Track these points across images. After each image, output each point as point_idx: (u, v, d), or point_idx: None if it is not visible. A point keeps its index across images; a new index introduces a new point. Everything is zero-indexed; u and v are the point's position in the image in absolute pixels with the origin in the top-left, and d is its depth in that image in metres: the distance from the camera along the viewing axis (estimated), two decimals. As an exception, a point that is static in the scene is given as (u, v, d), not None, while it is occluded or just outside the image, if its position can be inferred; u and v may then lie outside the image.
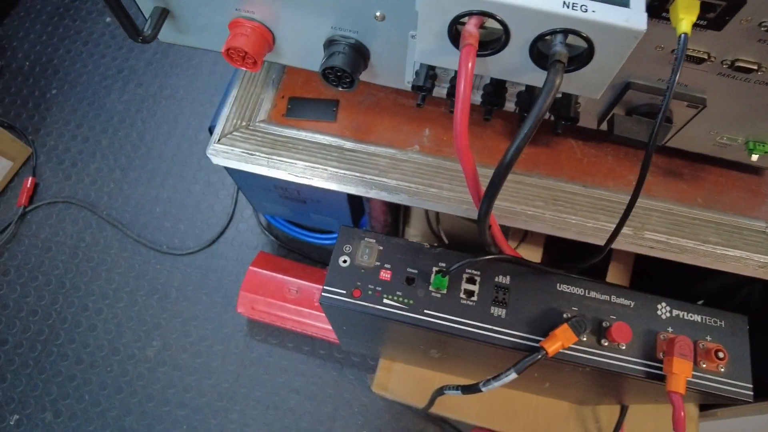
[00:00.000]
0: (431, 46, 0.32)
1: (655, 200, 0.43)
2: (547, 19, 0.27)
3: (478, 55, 0.30)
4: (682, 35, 0.28)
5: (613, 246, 0.43)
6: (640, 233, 0.42)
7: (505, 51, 0.31)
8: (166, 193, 1.16)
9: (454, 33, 0.30)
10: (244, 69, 0.42)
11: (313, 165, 0.44)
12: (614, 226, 0.35)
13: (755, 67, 0.32)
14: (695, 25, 0.30)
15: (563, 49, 0.28)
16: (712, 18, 0.30)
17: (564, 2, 0.27)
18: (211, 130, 0.82)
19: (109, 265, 1.10)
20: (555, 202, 0.43)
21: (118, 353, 1.03)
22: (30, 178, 1.17)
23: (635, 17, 0.27)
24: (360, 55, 0.40)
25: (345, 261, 0.46)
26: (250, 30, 0.40)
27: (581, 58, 0.29)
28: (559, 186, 0.43)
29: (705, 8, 0.29)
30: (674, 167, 0.45)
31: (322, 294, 0.46)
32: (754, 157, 0.39)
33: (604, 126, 0.41)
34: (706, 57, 0.33)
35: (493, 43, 0.31)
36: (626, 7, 0.27)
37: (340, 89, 0.40)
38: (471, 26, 0.29)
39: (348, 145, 0.45)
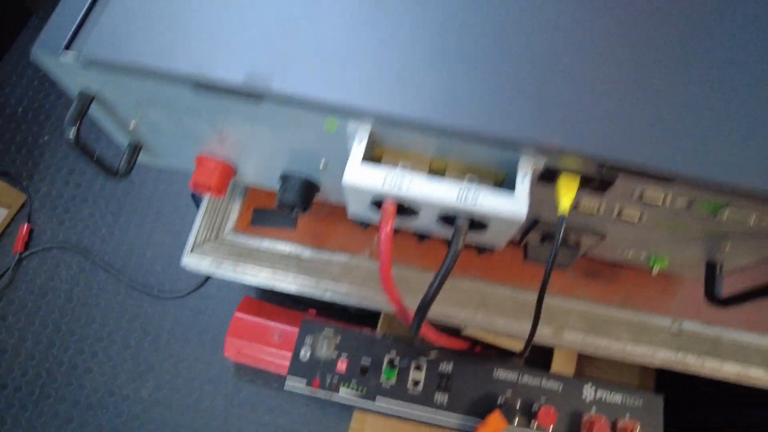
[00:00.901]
0: (358, 211, 0.37)
1: (575, 301, 0.49)
2: (445, 208, 0.33)
3: (398, 216, 0.36)
4: (561, 217, 0.34)
5: (537, 343, 0.49)
6: (559, 333, 0.48)
7: (419, 217, 0.36)
8: (156, 236, 1.22)
9: (377, 203, 0.36)
10: (209, 195, 0.47)
11: (274, 274, 0.50)
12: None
13: (637, 218, 0.38)
14: (584, 186, 0.36)
15: (464, 222, 0.34)
16: (593, 187, 0.36)
17: (458, 195, 0.33)
18: (194, 198, 0.88)
19: (103, 309, 1.16)
20: (485, 305, 0.48)
21: (114, 394, 1.09)
22: (25, 225, 1.22)
23: (517, 206, 0.32)
24: (310, 187, 0.45)
25: (306, 352, 0.52)
26: (213, 166, 0.46)
27: (480, 226, 0.35)
28: (490, 289, 0.49)
29: (585, 180, 0.35)
30: (595, 268, 0.51)
31: (287, 382, 0.52)
32: (655, 270, 0.45)
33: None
34: (596, 210, 0.38)
35: (404, 211, 0.36)
36: (512, 196, 0.33)
37: (293, 214, 0.46)
38: (388, 204, 0.35)
39: (306, 254, 0.51)
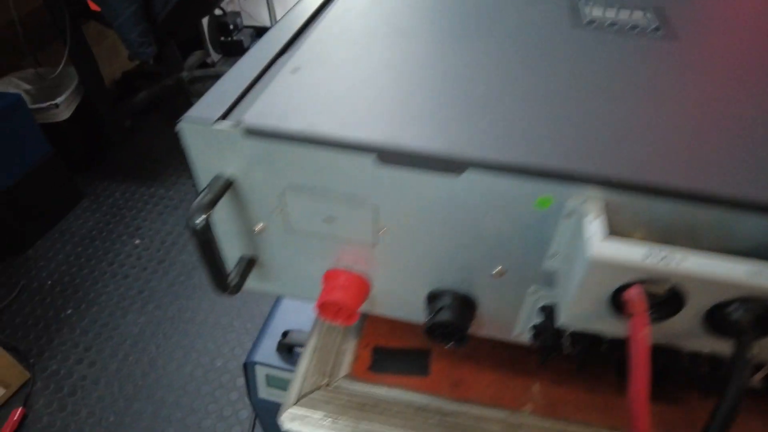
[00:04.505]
0: (584, 312, 0.28)
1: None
2: (734, 288, 0.24)
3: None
4: None
5: None
6: None
7: (675, 318, 0.27)
8: (173, 428, 1.03)
9: (616, 299, 0.27)
10: (337, 323, 0.37)
11: (409, 433, 0.37)
12: None
13: None
14: None
15: (749, 317, 0.25)
16: None
17: (751, 270, 0.24)
18: (245, 368, 0.75)
19: None
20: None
21: None
22: (19, 409, 1.04)
23: None
24: (468, 308, 0.36)
25: None
26: (347, 282, 0.37)
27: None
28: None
29: None
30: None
31: None
32: None
33: None
34: None
35: (658, 308, 0.27)
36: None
37: (448, 346, 0.36)
38: (638, 293, 0.26)
39: (448, 407, 0.38)
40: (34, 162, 1.39)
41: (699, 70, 0.36)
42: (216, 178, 0.33)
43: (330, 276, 0.38)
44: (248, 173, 0.33)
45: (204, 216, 0.31)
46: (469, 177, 0.29)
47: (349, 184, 0.32)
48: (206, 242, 0.32)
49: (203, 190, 0.32)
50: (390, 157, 0.29)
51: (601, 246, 0.25)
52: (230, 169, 0.33)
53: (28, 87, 1.59)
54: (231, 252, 0.39)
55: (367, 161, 0.30)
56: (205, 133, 0.31)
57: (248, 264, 0.39)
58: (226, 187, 0.33)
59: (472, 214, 0.30)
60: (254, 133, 0.30)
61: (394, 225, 0.33)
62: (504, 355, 0.42)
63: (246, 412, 1.05)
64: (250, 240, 0.38)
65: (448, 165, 0.28)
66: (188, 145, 0.32)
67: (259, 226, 0.37)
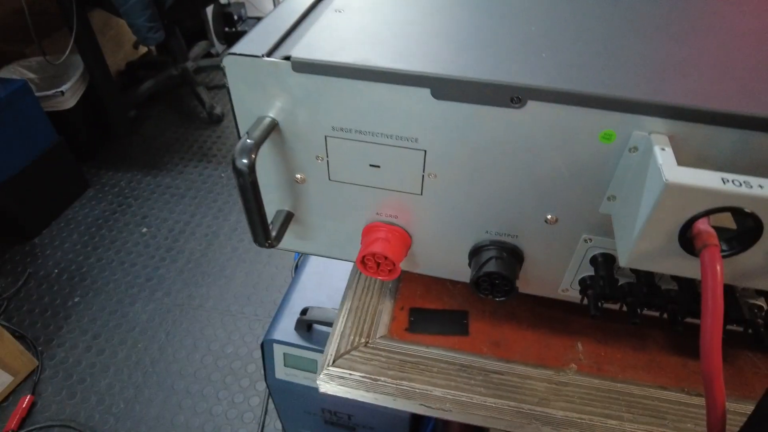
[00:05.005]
0: (650, 249, 0.27)
1: None
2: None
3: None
4: None
5: None
6: None
7: (747, 252, 0.26)
8: (183, 416, 1.01)
9: (682, 238, 0.26)
10: (378, 278, 0.36)
11: (454, 393, 0.35)
12: None
13: None
14: None
15: None
16: None
17: None
18: (263, 347, 0.73)
19: None
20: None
21: None
22: (27, 397, 1.03)
23: None
24: (516, 259, 0.35)
25: None
26: (389, 235, 0.36)
27: None
28: (749, 409, 0.35)
29: None
30: None
31: None
32: None
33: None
34: None
35: (728, 242, 0.26)
36: None
37: (498, 299, 0.34)
38: (706, 225, 0.25)
39: (492, 365, 0.37)
40: (40, 149, 1.37)
41: (746, 9, 0.35)
42: (259, 119, 0.32)
43: (370, 229, 0.36)
44: (292, 114, 0.32)
45: (248, 159, 0.30)
46: (532, 109, 0.27)
47: (398, 125, 0.30)
48: (251, 185, 0.31)
49: (246, 133, 0.31)
50: (446, 91, 0.28)
51: (677, 171, 0.24)
52: (273, 110, 0.32)
53: (32, 75, 1.57)
54: (268, 207, 0.38)
55: (422, 95, 0.28)
56: (253, 67, 0.30)
57: (285, 219, 0.38)
58: (270, 129, 0.32)
59: (532, 152, 0.29)
60: (304, 66, 0.29)
61: (444, 170, 0.32)
62: (543, 315, 0.41)
63: (258, 399, 1.03)
64: (288, 193, 0.37)
65: (510, 96, 0.27)
66: (232, 83, 0.31)
67: (299, 176, 0.35)
